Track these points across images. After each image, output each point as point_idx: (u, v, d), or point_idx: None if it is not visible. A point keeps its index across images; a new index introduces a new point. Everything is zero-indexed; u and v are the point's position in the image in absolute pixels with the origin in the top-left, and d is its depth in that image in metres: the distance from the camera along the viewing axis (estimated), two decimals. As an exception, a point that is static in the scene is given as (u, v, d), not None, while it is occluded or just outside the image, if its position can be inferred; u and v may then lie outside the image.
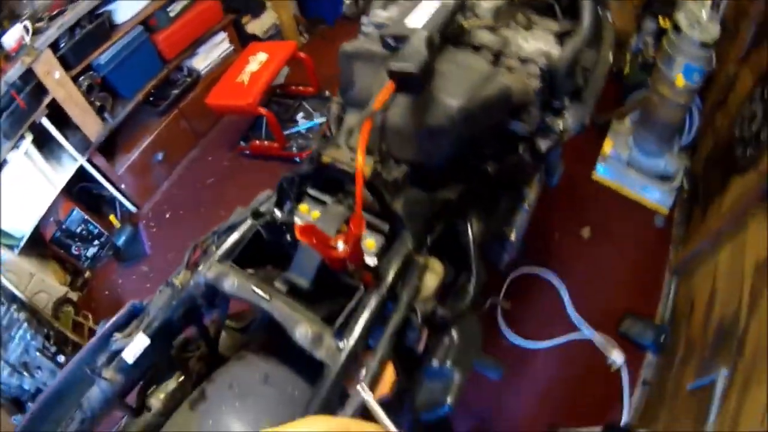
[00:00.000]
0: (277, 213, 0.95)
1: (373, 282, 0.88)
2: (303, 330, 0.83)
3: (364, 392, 0.42)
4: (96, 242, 2.38)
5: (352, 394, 0.80)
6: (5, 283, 2.04)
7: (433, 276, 0.99)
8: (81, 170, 2.34)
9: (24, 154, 2.15)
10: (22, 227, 2.21)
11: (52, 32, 2.04)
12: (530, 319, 2.06)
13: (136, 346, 0.91)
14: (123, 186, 2.42)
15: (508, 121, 1.15)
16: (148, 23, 2.37)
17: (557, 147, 1.39)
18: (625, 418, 1.90)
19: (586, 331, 2.03)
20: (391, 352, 0.85)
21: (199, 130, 2.65)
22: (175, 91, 2.48)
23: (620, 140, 2.37)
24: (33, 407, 0.94)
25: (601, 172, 2.39)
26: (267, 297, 0.87)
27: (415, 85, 0.93)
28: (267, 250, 1.01)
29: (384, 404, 0.95)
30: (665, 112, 2.13)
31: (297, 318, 0.84)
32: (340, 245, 0.83)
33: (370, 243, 0.95)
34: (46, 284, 2.22)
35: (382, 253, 0.93)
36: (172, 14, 2.43)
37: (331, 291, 0.93)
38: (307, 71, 2.45)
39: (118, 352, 0.92)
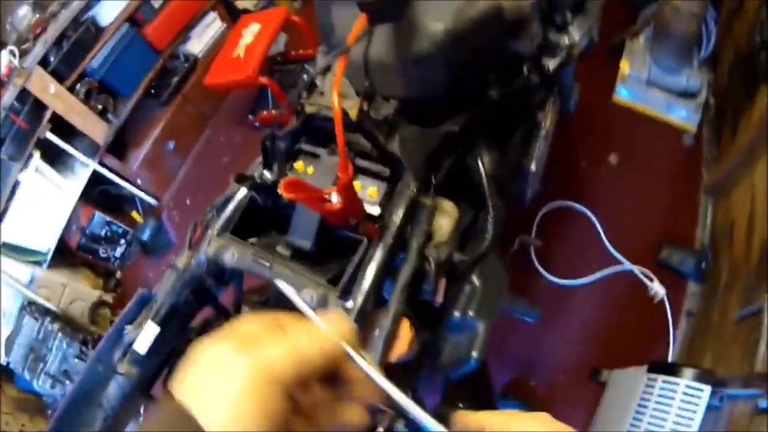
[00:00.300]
0: (267, 174, 0.90)
1: (378, 232, 0.82)
2: (307, 295, 0.78)
3: (358, 359, 0.37)
4: (122, 241, 2.41)
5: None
6: (38, 299, 2.09)
7: (445, 218, 0.93)
8: (95, 174, 2.35)
9: (35, 171, 2.18)
10: (46, 242, 2.25)
11: (38, 50, 2.05)
12: (564, 255, 1.98)
13: (146, 335, 0.89)
14: (139, 181, 2.43)
15: (505, 42, 1.06)
16: (134, 18, 2.33)
17: (568, 66, 1.29)
18: (671, 353, 1.82)
19: (625, 264, 1.93)
20: (405, 307, 0.80)
21: (206, 113, 2.63)
22: (175, 79, 2.45)
23: (637, 59, 2.22)
24: (56, 412, 0.93)
25: (622, 94, 2.24)
26: (267, 264, 0.83)
27: (389, 12, 0.85)
28: (267, 217, 0.97)
29: (405, 365, 0.92)
30: (679, 24, 1.98)
31: (299, 282, 0.80)
32: (334, 196, 0.78)
33: (372, 191, 0.89)
34: (80, 291, 2.27)
35: (386, 201, 0.87)
36: (156, 5, 2.38)
37: (338, 250, 0.88)
38: (304, 35, 2.37)
39: (131, 344, 0.90)
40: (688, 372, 1.35)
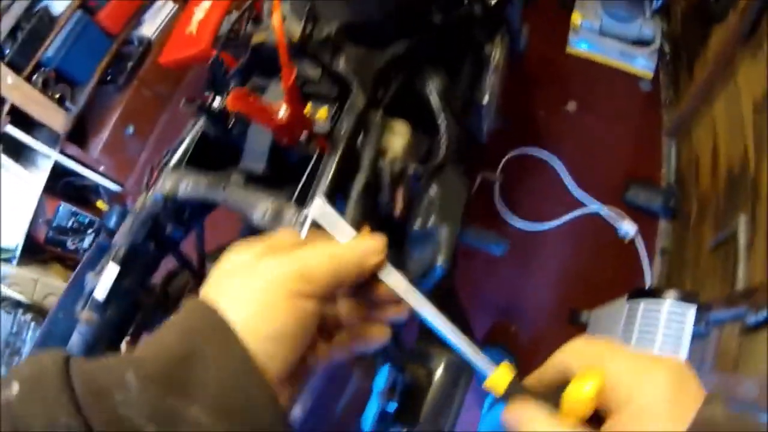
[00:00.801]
0: (215, 103, 0.90)
1: (328, 145, 0.83)
2: (260, 210, 0.78)
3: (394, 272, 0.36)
4: (89, 231, 2.36)
5: None
6: (10, 293, 2.04)
7: (398, 137, 0.94)
8: (58, 167, 2.30)
9: None
10: (13, 238, 2.20)
11: None
12: (531, 201, 2.00)
13: (105, 278, 0.87)
14: (102, 168, 2.39)
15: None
16: (87, 5, 2.30)
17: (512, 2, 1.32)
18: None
19: (592, 205, 1.97)
20: (360, 215, 0.81)
21: (164, 94, 2.59)
22: (130, 63, 2.41)
23: (589, 10, 2.26)
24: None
25: (576, 45, 2.28)
26: (220, 187, 0.83)
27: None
28: (221, 153, 0.96)
29: None
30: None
31: (253, 200, 0.80)
32: (282, 109, 0.78)
33: (322, 112, 0.89)
34: (52, 286, 2.21)
35: (335, 119, 0.88)
36: (108, -11, 2.34)
37: (292, 176, 0.88)
38: (255, 6, 2.35)
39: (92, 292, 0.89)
40: (671, 293, 1.30)
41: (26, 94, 2.14)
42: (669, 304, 1.30)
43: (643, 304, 1.36)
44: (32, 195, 2.23)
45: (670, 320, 1.30)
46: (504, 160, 2.04)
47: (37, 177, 2.25)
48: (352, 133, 0.83)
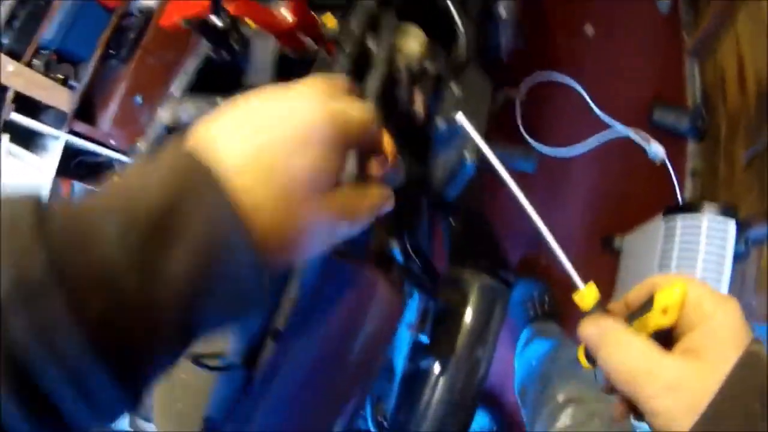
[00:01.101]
0: (217, 21, 0.84)
1: (338, 46, 0.77)
2: None
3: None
4: (107, 209, 2.37)
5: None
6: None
7: (413, 39, 0.88)
8: (70, 148, 2.30)
9: (8, 155, 2.13)
10: None
11: None
12: (556, 126, 1.93)
13: None
14: (113, 142, 2.37)
15: None
16: (80, -20, 2.25)
17: None
18: (681, 211, 1.79)
19: (618, 128, 1.88)
20: (379, 114, 0.75)
21: (170, 61, 2.54)
22: (132, 35, 2.38)
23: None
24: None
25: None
26: (220, 103, 0.79)
27: None
28: (227, 80, 0.92)
29: (397, 209, 0.87)
30: None
31: None
32: (285, 13, 0.73)
33: (330, 19, 0.84)
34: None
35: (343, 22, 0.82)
36: (100, -39, 2.29)
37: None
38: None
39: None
40: (710, 206, 1.24)
41: (29, 80, 2.14)
42: (708, 218, 1.24)
43: (680, 220, 1.30)
44: (45, 179, 2.24)
45: (711, 235, 1.23)
46: (523, 84, 1.96)
47: (49, 161, 2.25)
48: (362, 30, 0.77)
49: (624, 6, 2.08)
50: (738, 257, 1.23)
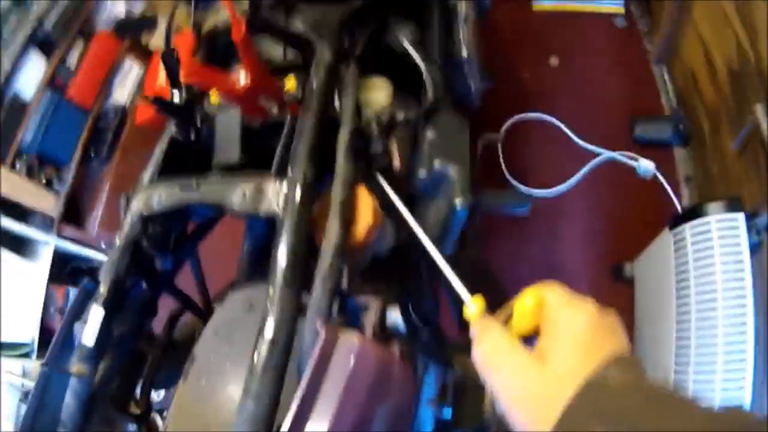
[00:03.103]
0: (175, 96, 0.83)
1: (303, 107, 0.75)
2: (239, 193, 0.70)
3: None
4: (103, 310, 2.29)
5: (324, 248, 0.66)
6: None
7: (379, 91, 0.86)
8: (61, 253, 2.26)
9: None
10: (28, 333, 2.15)
11: None
12: (541, 165, 1.92)
13: (91, 321, 0.77)
14: (103, 245, 2.33)
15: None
16: (54, 84, 2.30)
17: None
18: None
19: (603, 153, 1.87)
20: (354, 173, 0.72)
21: (149, 157, 2.57)
22: (110, 134, 2.40)
23: (546, -38, 2.21)
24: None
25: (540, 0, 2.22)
26: (194, 185, 0.75)
27: None
28: (194, 160, 0.89)
29: (391, 263, 0.82)
30: None
31: (229, 186, 0.71)
32: (242, 75, 0.71)
33: (290, 81, 0.83)
34: (76, 373, 2.14)
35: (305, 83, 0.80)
36: (72, 66, 2.35)
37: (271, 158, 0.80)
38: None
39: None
40: (714, 206, 1.20)
41: (13, 184, 2.11)
42: (716, 218, 1.19)
43: (688, 229, 1.25)
44: (39, 286, 2.19)
45: (723, 235, 1.19)
46: (502, 129, 1.96)
47: (40, 266, 2.21)
48: (325, 88, 0.75)
49: (582, 31, 2.13)
50: (754, 248, 1.17)
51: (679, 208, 1.79)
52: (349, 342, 0.55)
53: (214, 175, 0.81)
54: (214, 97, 0.86)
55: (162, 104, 0.78)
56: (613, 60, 2.06)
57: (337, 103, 0.78)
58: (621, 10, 2.13)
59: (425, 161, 0.81)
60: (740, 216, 1.17)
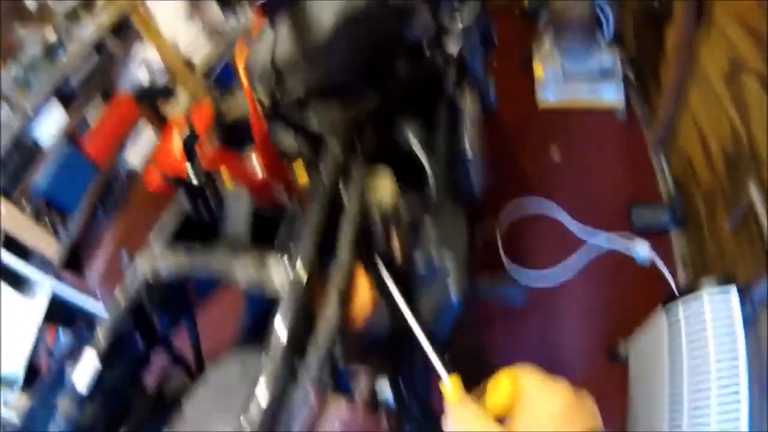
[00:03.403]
0: (193, 177, 0.87)
1: (310, 194, 0.79)
2: (242, 269, 0.73)
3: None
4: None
5: (320, 325, 0.68)
6: (13, 419, 1.91)
7: (383, 182, 0.91)
8: (58, 296, 2.26)
9: None
10: (15, 366, 2.10)
11: None
12: (540, 254, 1.95)
13: (85, 364, 0.78)
14: (100, 296, 2.33)
15: (401, 29, 1.12)
16: (72, 137, 2.39)
17: (472, 54, 1.37)
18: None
19: (602, 242, 1.91)
20: (352, 264, 0.75)
21: (156, 219, 2.59)
22: (119, 192, 2.47)
23: (548, 60, 2.37)
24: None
25: (545, 97, 2.36)
26: (201, 255, 0.78)
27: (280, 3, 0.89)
28: (205, 236, 0.93)
29: (386, 347, 0.83)
30: (573, 12, 2.18)
31: (236, 261, 0.74)
32: (256, 165, 0.76)
33: (299, 167, 0.88)
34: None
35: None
36: (90, 121, 2.46)
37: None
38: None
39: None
40: (705, 282, 1.20)
41: (20, 223, 2.16)
42: (707, 291, 1.19)
43: (681, 304, 1.25)
44: (32, 322, 2.17)
45: (715, 309, 1.18)
46: (501, 217, 2.02)
47: (37, 304, 2.20)
48: (333, 179, 0.80)
49: (584, 126, 2.24)
50: (747, 321, 1.17)
51: (675, 289, 1.81)
52: (338, 409, 0.57)
53: (222, 248, 0.84)
54: (227, 181, 0.90)
55: (181, 185, 0.81)
56: (613, 150, 2.15)
57: (343, 194, 0.82)
58: (622, 103, 2.24)
59: (423, 251, 0.84)
60: (732, 288, 1.17)
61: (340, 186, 0.82)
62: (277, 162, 0.79)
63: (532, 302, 1.81)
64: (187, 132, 0.85)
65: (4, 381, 2.06)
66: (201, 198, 0.88)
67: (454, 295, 0.80)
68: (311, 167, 0.87)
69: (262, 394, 0.59)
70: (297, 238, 0.73)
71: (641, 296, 1.81)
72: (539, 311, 1.84)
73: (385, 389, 0.70)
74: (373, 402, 0.72)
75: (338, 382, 0.66)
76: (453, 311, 0.82)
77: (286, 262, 0.69)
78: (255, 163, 0.75)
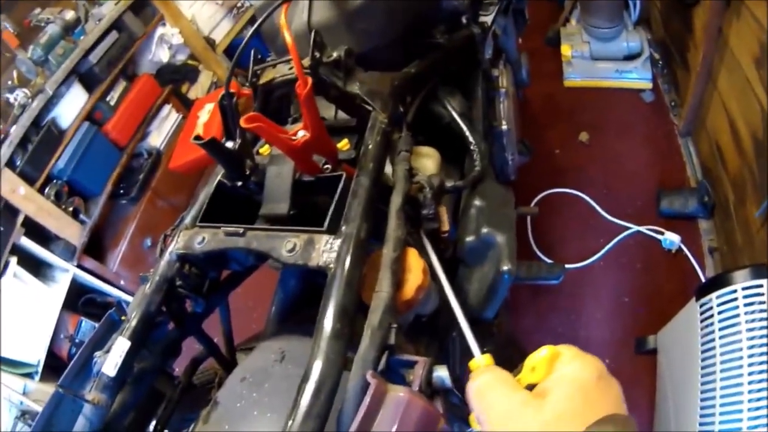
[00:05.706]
0: (229, 144, 0.84)
1: (357, 168, 0.77)
2: (289, 245, 0.69)
3: None
4: (113, 345, 2.26)
5: (374, 305, 0.66)
6: (33, 406, 1.94)
7: (428, 159, 0.89)
8: (79, 283, 2.26)
9: (14, 277, 2.07)
10: (35, 354, 2.11)
11: (4, 151, 2.02)
12: (570, 240, 1.93)
13: (115, 352, 0.75)
14: (122, 282, 2.33)
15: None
16: (93, 117, 2.37)
17: (506, 27, 1.33)
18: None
19: (630, 227, 1.89)
20: (404, 234, 0.72)
21: (179, 204, 2.59)
22: (141, 175, 2.45)
23: (575, 40, 2.32)
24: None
25: (572, 76, 2.31)
26: (240, 231, 0.75)
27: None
28: (240, 209, 0.90)
29: (432, 323, 0.80)
30: (601, -11, 2.11)
31: (279, 238, 0.71)
32: (300, 132, 0.74)
33: (343, 143, 0.85)
34: (76, 403, 2.09)
35: (358, 145, 0.82)
36: (112, 102, 2.44)
37: (320, 214, 0.81)
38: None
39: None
40: (739, 274, 1.19)
41: (40, 206, 2.14)
42: (742, 284, 1.18)
43: (714, 297, 1.24)
44: (52, 310, 2.17)
45: (750, 301, 1.17)
46: (532, 203, 1.99)
47: (56, 292, 2.20)
48: (380, 150, 0.77)
49: (611, 105, 2.20)
50: None
51: (702, 278, 1.78)
52: (398, 395, 0.54)
53: (259, 223, 0.81)
54: (265, 148, 0.88)
55: (214, 146, 0.77)
56: (641, 134, 2.11)
57: (387, 168, 0.79)
58: (648, 85, 2.20)
59: (473, 228, 0.81)
60: (765, 282, 1.16)
61: (386, 160, 0.80)
62: (324, 131, 0.76)
63: (558, 286, 1.79)
64: (222, 93, 0.81)
65: (21, 368, 2.07)
66: (237, 165, 0.85)
67: (506, 268, 0.77)
68: (354, 140, 0.84)
69: (315, 376, 0.56)
70: (346, 214, 0.70)
71: (667, 283, 1.79)
72: (566, 296, 1.82)
73: (443, 374, 0.67)
74: (429, 387, 0.69)
75: (393, 368, 0.64)
76: (504, 288, 0.79)
77: (336, 240, 0.67)
78: (300, 132, 0.72)
